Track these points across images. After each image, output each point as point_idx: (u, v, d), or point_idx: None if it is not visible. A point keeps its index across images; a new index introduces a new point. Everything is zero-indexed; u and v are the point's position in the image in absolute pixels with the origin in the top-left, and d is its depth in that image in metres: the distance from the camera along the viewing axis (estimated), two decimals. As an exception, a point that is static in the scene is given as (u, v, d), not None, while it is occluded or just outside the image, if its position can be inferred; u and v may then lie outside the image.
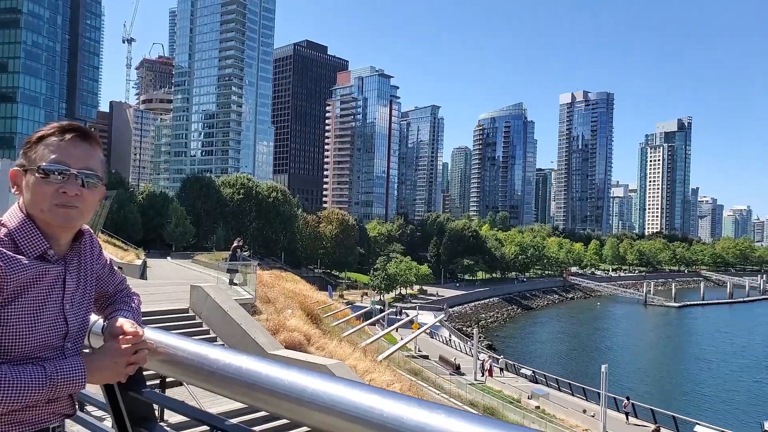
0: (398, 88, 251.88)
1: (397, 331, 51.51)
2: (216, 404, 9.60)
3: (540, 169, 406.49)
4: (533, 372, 54.94)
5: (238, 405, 7.44)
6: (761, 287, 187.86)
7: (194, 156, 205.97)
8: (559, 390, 49.90)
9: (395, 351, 35.72)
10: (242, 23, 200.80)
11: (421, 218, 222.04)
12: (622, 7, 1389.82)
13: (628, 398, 40.60)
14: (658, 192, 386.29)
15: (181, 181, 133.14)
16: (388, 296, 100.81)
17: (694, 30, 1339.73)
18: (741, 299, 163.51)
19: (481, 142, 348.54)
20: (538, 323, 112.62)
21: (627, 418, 39.60)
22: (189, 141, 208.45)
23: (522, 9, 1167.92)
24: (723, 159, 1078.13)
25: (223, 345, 16.19)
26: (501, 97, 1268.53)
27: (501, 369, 56.78)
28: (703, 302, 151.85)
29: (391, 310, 70.67)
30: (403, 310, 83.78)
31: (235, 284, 25.05)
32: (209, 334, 17.47)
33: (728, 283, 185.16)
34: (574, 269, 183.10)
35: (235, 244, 29.24)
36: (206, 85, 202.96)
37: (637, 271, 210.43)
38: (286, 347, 17.68)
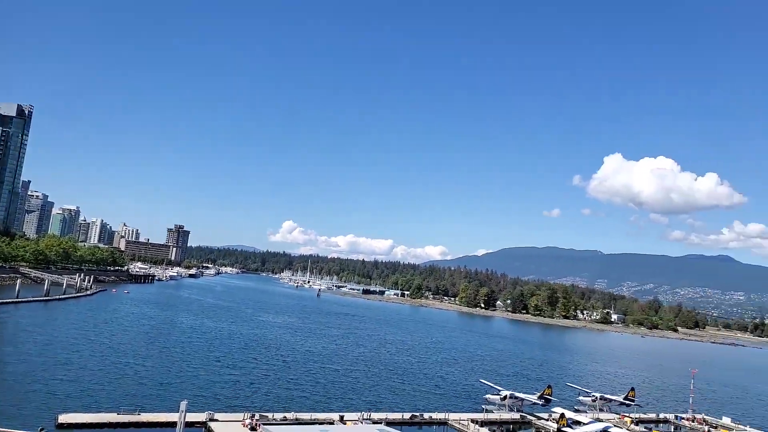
0: None
1: None
2: None
3: None
4: None
5: None
6: (78, 285, 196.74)
7: None
8: None
9: None
10: None
11: None
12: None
13: None
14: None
15: None
16: None
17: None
18: (57, 297, 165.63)
19: None
20: None
21: None
22: None
23: None
24: (59, 157, 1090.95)
25: None
26: None
27: None
28: (18, 300, 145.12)
29: None
30: None
31: None
32: None
33: (47, 281, 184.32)
34: None
35: None
36: None
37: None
38: None
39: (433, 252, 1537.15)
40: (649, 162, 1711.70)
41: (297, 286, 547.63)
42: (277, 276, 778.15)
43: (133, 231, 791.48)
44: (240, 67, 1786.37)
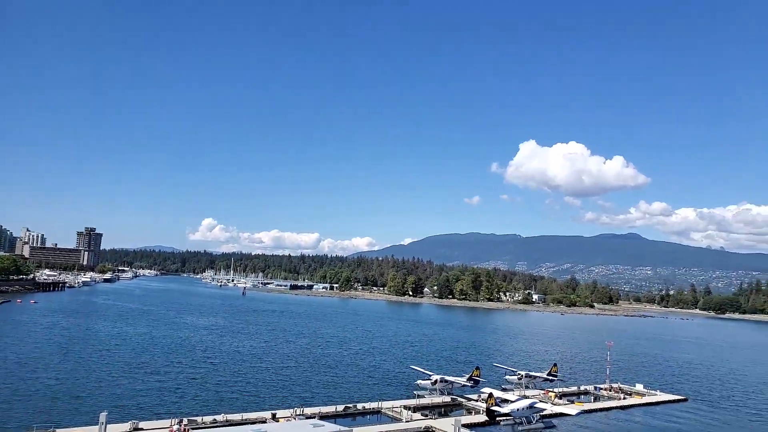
0: None
1: None
2: None
3: None
4: None
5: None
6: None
7: None
8: None
9: None
10: None
11: None
12: None
13: None
14: None
15: None
16: None
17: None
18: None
19: None
20: None
21: None
22: None
23: None
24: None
25: None
26: None
27: None
28: None
29: None
30: None
31: None
32: None
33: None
34: None
35: None
36: None
37: None
38: None
39: (360, 243, 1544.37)
40: (561, 147, 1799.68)
41: (221, 285, 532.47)
42: (199, 276, 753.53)
43: (37, 236, 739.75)
44: (144, 64, 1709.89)
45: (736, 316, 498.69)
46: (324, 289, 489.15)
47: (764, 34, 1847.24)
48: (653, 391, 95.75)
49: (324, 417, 62.68)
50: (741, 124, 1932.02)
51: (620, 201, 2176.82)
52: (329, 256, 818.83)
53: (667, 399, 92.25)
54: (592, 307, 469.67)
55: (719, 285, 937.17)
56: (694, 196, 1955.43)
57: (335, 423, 58.87)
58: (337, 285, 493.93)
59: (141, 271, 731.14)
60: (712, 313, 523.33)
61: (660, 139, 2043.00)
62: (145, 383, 78.78)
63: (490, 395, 69.55)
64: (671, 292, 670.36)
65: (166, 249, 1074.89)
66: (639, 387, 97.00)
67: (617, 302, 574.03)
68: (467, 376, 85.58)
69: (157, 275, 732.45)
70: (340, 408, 68.65)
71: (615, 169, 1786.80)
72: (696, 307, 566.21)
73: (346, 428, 54.98)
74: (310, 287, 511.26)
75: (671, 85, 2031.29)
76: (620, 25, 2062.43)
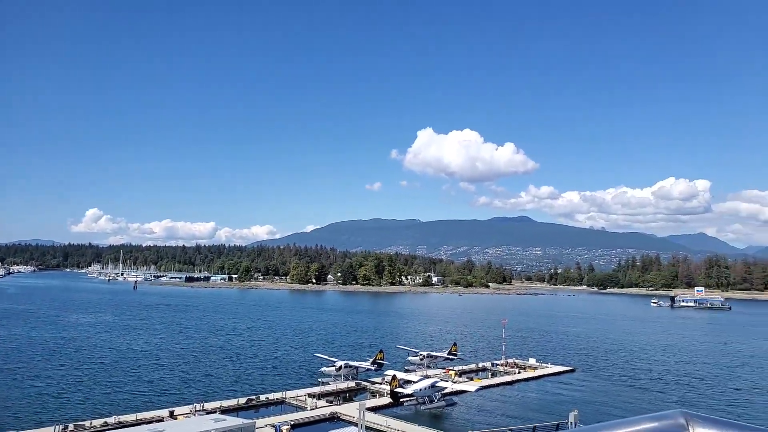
0: None
1: None
2: None
3: None
4: None
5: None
6: None
7: None
8: None
9: None
10: None
11: None
12: None
13: None
14: None
15: None
16: None
17: None
18: None
19: None
20: None
21: None
22: None
23: None
24: None
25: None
26: None
27: None
28: None
29: None
30: None
31: None
32: None
33: None
34: None
35: None
36: None
37: None
38: None
39: (260, 232, 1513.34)
40: (456, 135, 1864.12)
41: (109, 279, 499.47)
42: (84, 271, 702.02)
43: None
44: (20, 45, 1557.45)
45: (616, 290, 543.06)
46: (222, 281, 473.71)
47: (640, 27, 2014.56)
48: (545, 364, 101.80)
49: (226, 411, 60.55)
50: (618, 115, 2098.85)
51: (511, 186, 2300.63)
52: (227, 245, 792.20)
53: (557, 371, 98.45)
54: (487, 287, 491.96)
55: (601, 262, 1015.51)
56: (578, 180, 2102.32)
57: (237, 416, 57.08)
58: (236, 276, 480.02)
59: (15, 268, 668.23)
60: (595, 289, 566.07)
61: (547, 128, 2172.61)
62: (21, 390, 72.01)
63: (394, 377, 70.50)
64: (559, 271, 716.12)
65: (45, 242, 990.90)
66: (532, 361, 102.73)
67: (510, 281, 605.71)
68: (371, 359, 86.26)
69: (34, 271, 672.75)
70: (243, 400, 66.70)
71: (506, 155, 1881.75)
72: (581, 284, 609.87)
73: (249, 420, 53.46)
74: (207, 279, 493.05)
75: (558, 78, 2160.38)
76: (515, 19, 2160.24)
